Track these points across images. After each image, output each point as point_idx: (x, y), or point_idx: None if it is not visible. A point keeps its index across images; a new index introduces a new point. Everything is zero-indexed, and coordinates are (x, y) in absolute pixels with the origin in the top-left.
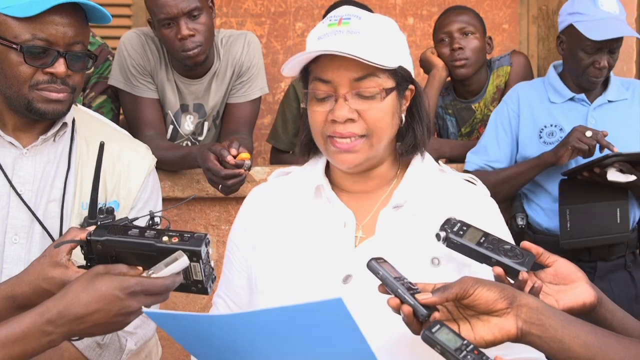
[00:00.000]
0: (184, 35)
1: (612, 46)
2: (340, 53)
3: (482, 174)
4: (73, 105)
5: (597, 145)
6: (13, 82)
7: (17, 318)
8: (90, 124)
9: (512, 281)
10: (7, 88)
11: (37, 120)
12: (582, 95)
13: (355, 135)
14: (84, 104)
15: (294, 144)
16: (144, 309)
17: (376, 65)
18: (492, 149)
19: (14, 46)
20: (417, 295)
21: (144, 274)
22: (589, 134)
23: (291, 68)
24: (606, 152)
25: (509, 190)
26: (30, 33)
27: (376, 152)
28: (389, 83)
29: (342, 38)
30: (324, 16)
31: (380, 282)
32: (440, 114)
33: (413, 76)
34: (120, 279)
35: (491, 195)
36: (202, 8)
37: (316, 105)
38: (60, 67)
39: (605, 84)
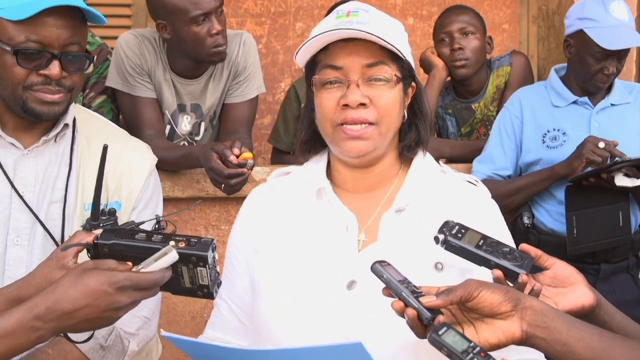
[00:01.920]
0: (218, 30)
1: (620, 53)
2: (360, 32)
3: (491, 184)
4: (73, 105)
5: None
6: (8, 84)
7: (5, 314)
8: (91, 124)
9: (511, 284)
10: (3, 89)
11: (36, 121)
12: (585, 99)
13: (366, 122)
14: (83, 104)
15: (294, 144)
16: (163, 332)
17: (391, 48)
18: (498, 157)
19: (7, 48)
20: (421, 299)
21: (134, 269)
22: (601, 145)
23: (301, 56)
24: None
25: (521, 200)
26: (24, 35)
27: (384, 142)
28: (398, 73)
29: (354, 27)
30: (326, 16)
31: (385, 285)
32: (440, 114)
33: (415, 73)
34: (109, 274)
35: (502, 206)
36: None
37: (326, 92)
38: (54, 69)
39: (609, 87)
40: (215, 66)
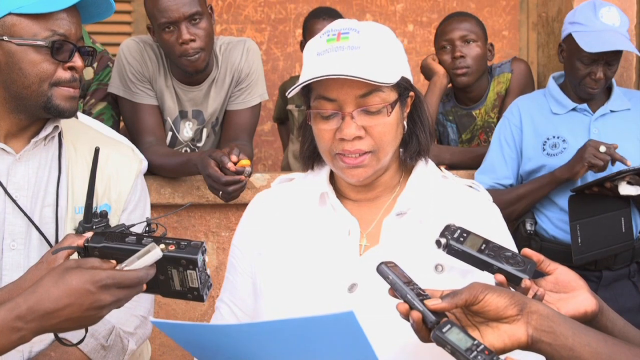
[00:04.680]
0: (185, 39)
1: (608, 58)
2: (345, 76)
3: (493, 193)
4: None
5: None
6: (34, 81)
7: None
8: (75, 128)
9: (513, 289)
10: (25, 88)
11: (30, 124)
12: (585, 105)
13: (361, 152)
14: (84, 111)
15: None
16: (152, 318)
17: (379, 84)
18: (500, 167)
19: (39, 42)
20: (426, 302)
21: (117, 267)
22: (602, 149)
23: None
24: (618, 166)
25: (523, 208)
26: (49, 30)
27: (383, 164)
28: (393, 96)
29: (344, 55)
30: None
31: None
32: (440, 121)
33: (412, 82)
34: (92, 272)
35: (505, 215)
36: (203, 13)
37: (322, 124)
38: (78, 60)
39: (608, 93)
40: (217, 73)
